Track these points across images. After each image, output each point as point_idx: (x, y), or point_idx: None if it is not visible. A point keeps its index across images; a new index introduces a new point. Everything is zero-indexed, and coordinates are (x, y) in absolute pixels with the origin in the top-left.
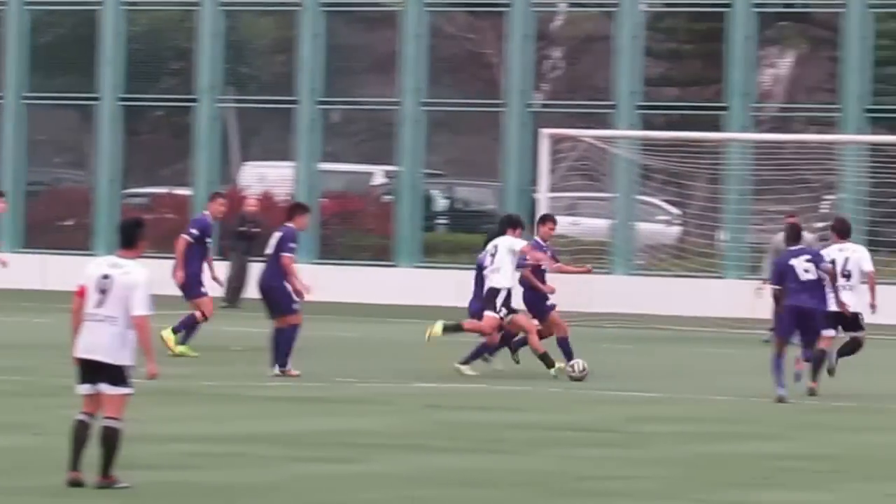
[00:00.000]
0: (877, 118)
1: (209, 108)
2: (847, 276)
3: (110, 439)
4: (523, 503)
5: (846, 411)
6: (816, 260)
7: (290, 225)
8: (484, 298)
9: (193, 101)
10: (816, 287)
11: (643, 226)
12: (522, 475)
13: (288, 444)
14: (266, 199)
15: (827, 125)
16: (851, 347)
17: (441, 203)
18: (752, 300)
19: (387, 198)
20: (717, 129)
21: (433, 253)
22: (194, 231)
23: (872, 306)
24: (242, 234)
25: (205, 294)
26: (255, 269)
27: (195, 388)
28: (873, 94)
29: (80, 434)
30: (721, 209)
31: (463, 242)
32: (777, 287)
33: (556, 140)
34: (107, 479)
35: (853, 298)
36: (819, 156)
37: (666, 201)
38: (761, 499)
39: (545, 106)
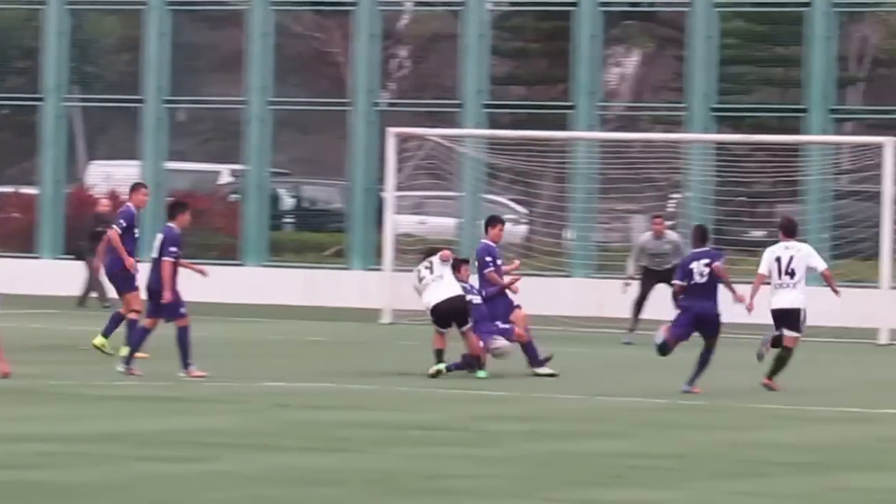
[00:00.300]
0: (722, 117)
1: (55, 107)
2: (791, 273)
3: None
4: (370, 502)
5: (694, 410)
6: (713, 258)
7: (171, 225)
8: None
9: (39, 99)
10: (710, 289)
11: None
12: (370, 474)
13: (136, 444)
14: (113, 199)
15: (673, 124)
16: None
17: (288, 202)
18: (601, 300)
19: (233, 196)
20: (563, 127)
21: (280, 252)
22: (122, 222)
23: (835, 291)
24: (98, 234)
25: (136, 288)
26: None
27: (44, 388)
28: (719, 92)
29: None
30: (568, 208)
31: (309, 241)
32: (682, 284)
33: (403, 139)
34: None
35: (798, 296)
36: (665, 154)
37: (513, 200)
38: (610, 497)
39: (392, 105)
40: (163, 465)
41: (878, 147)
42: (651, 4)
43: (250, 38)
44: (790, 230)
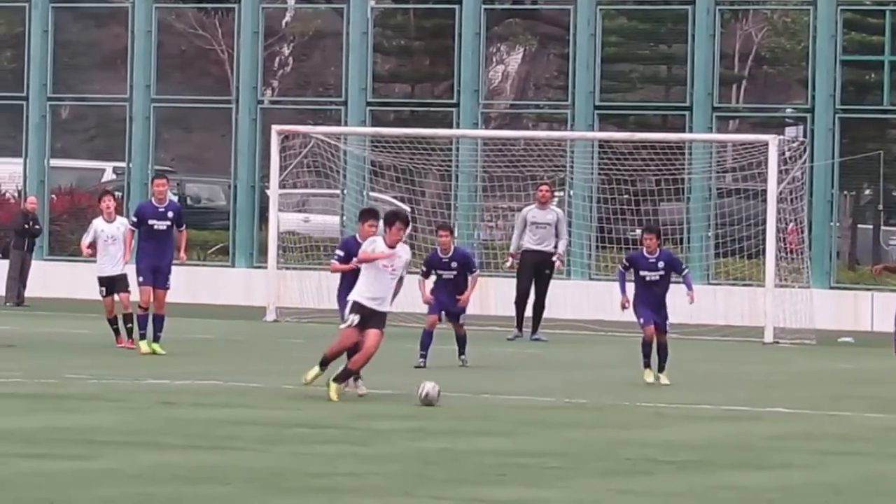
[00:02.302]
0: (605, 114)
1: None
2: None
3: None
4: (256, 500)
5: (578, 408)
6: None
7: None
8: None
9: None
10: None
11: None
12: (255, 472)
13: (19, 441)
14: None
15: (556, 121)
16: None
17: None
18: (485, 298)
19: (117, 194)
20: (447, 125)
21: None
22: (133, 218)
23: None
24: (26, 231)
25: (140, 283)
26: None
27: None
28: (602, 90)
29: None
30: (451, 205)
31: (194, 239)
32: None
33: (287, 136)
34: None
35: None
36: (549, 152)
37: (396, 198)
38: (494, 495)
39: (275, 102)
40: (46, 462)
41: (763, 145)
42: (534, 2)
43: (133, 35)
44: None
